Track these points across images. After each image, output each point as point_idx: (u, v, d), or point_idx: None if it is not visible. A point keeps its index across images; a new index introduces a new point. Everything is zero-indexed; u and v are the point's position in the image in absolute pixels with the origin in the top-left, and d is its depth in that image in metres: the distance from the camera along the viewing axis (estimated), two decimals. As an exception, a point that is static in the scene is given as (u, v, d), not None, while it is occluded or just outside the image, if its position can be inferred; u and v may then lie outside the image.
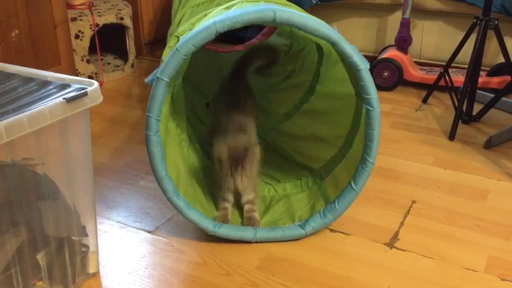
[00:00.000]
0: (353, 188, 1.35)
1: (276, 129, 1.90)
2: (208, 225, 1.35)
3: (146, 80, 1.26)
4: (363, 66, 1.26)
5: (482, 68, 2.07)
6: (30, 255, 1.11)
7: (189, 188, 1.43)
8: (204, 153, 1.65)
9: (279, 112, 1.94)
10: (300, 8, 1.49)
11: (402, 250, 1.37)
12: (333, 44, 1.25)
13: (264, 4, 1.28)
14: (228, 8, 1.32)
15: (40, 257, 1.13)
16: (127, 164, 1.81)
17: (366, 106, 1.29)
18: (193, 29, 1.27)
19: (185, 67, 1.51)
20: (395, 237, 1.42)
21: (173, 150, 1.42)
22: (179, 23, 1.70)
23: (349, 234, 1.43)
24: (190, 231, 1.43)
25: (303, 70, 1.94)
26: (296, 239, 1.39)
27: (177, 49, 1.21)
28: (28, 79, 1.16)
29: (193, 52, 1.22)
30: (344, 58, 1.28)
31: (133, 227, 1.47)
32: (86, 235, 1.24)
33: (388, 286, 1.24)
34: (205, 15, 1.40)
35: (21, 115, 0.97)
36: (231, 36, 2.99)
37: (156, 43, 2.99)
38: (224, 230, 1.36)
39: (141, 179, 1.71)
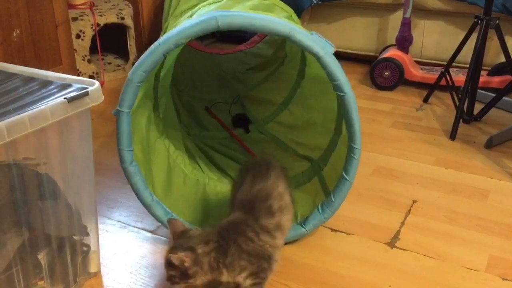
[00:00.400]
0: (345, 178, 1.31)
1: (275, 121, 1.90)
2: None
3: (113, 112, 1.26)
4: (322, 52, 1.21)
5: (483, 67, 2.07)
6: (32, 254, 1.11)
7: (186, 207, 1.43)
8: (206, 164, 1.65)
9: (276, 102, 1.93)
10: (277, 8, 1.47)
11: (403, 249, 1.37)
12: (287, 38, 1.21)
13: (209, 13, 1.24)
14: (190, 16, 1.32)
15: (42, 256, 1.13)
16: (128, 164, 1.81)
17: (338, 92, 1.25)
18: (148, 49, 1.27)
19: (168, 81, 1.52)
20: (396, 236, 1.42)
21: (162, 171, 1.43)
22: (166, 27, 1.71)
23: (350, 234, 1.43)
24: (191, 231, 1.43)
25: (293, 54, 1.93)
26: (298, 239, 1.39)
27: (128, 79, 1.22)
28: (29, 79, 1.17)
29: (145, 77, 1.22)
30: (303, 49, 1.24)
31: (134, 227, 1.48)
32: (87, 235, 1.24)
33: (389, 286, 1.24)
34: (175, 25, 1.40)
35: (22, 115, 0.98)
36: (231, 36, 3.00)
37: (157, 42, 2.99)
38: None
39: (142, 178, 1.71)
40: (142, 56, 1.22)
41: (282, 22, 1.22)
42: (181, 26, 1.21)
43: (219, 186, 1.56)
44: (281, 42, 2.12)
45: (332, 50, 1.24)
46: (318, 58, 1.22)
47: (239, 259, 1.08)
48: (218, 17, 1.18)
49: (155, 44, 1.21)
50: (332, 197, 1.34)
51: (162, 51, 1.20)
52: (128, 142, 1.26)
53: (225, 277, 1.08)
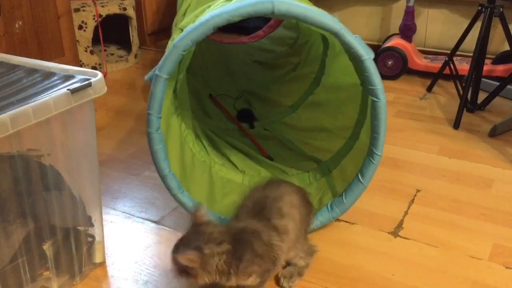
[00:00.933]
0: (360, 181, 1.33)
1: (282, 121, 1.89)
2: (214, 220, 1.35)
3: (146, 77, 1.25)
4: (367, 56, 1.24)
5: (487, 56, 2.06)
6: (37, 245, 1.12)
7: (194, 184, 1.43)
8: (211, 147, 1.65)
9: (284, 104, 1.93)
10: None
11: (407, 238, 1.37)
12: (335, 35, 1.23)
13: None
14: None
15: (47, 247, 1.13)
16: (132, 155, 1.82)
17: (372, 97, 1.27)
18: (195, 22, 1.27)
19: (188, 61, 1.51)
20: (400, 226, 1.42)
21: (176, 146, 1.42)
22: (185, 13, 1.69)
23: (353, 223, 1.44)
24: (195, 221, 1.43)
25: (308, 61, 1.93)
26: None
27: (174, 45, 1.20)
28: (32, 71, 1.17)
29: (191, 47, 1.21)
30: (347, 49, 1.26)
31: (139, 217, 1.48)
32: (92, 225, 1.25)
33: (393, 275, 1.25)
34: (209, 6, 1.39)
35: (26, 106, 0.98)
36: (234, 26, 2.99)
37: (159, 33, 2.99)
38: None
39: (146, 169, 1.71)
40: (192, 26, 1.20)
41: (334, 19, 1.24)
42: (235, 4, 1.20)
43: (223, 171, 1.56)
44: (297, 48, 2.10)
45: (373, 55, 1.26)
46: (361, 61, 1.24)
47: (252, 264, 1.07)
48: (275, 2, 1.18)
49: (207, 16, 1.19)
50: (343, 198, 1.36)
51: (214, 24, 1.18)
52: (159, 108, 1.23)
53: (232, 282, 1.06)
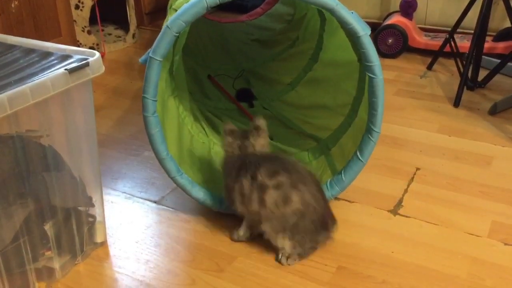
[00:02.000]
0: (359, 158, 1.33)
1: (281, 100, 1.88)
2: (214, 203, 1.36)
3: (140, 60, 1.24)
4: (363, 32, 1.22)
5: (488, 33, 2.04)
6: (38, 225, 1.12)
7: (193, 165, 1.43)
8: (210, 128, 1.64)
9: (283, 82, 1.92)
10: None
11: (406, 216, 1.38)
12: (331, 12, 1.22)
13: None
14: None
15: (48, 227, 1.14)
16: (131, 135, 1.81)
17: (368, 74, 1.26)
18: (189, 2, 1.25)
19: (183, 41, 1.50)
20: (399, 204, 1.43)
21: (173, 129, 1.41)
22: None
23: (353, 202, 1.44)
24: (194, 201, 1.44)
25: (306, 37, 1.91)
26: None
27: (167, 27, 1.18)
28: (29, 51, 1.16)
29: (184, 28, 1.20)
30: (343, 25, 1.24)
31: (139, 197, 1.49)
32: (93, 206, 1.25)
33: (392, 252, 1.25)
34: None
35: (24, 86, 0.97)
36: (232, 5, 2.96)
37: (157, 12, 2.96)
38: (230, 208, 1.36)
39: (145, 149, 1.71)
40: (185, 6, 1.19)
41: None
42: None
43: (223, 152, 1.56)
44: (295, 23, 2.08)
45: (369, 31, 1.24)
46: (357, 38, 1.23)
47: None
48: None
49: None
50: (342, 176, 1.35)
51: (206, 4, 1.17)
52: (154, 91, 1.23)
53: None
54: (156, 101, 1.24)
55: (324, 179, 1.42)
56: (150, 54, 1.20)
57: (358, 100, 1.43)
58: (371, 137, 1.31)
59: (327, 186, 1.37)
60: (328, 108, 1.62)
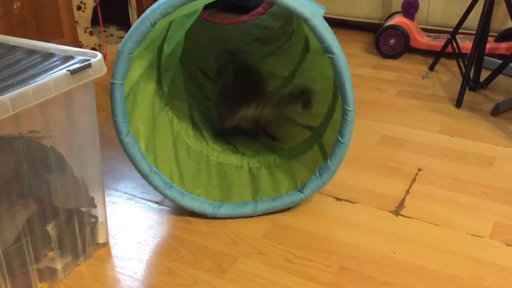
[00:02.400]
0: (340, 141, 1.30)
1: (279, 94, 1.88)
2: (207, 208, 1.36)
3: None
4: (309, 14, 1.18)
5: (490, 33, 2.04)
6: (40, 226, 1.13)
7: (189, 175, 1.43)
8: (210, 135, 1.65)
9: (281, 76, 1.92)
10: None
11: (408, 217, 1.38)
12: (276, 3, 1.18)
13: None
14: None
15: (50, 228, 1.14)
16: (133, 136, 1.82)
17: (328, 55, 1.22)
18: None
19: (177, 55, 1.51)
20: (401, 204, 1.43)
21: (166, 142, 1.43)
22: None
23: (355, 202, 1.44)
24: (197, 201, 1.44)
25: (299, 28, 1.91)
26: (297, 205, 1.40)
27: (119, 51, 1.22)
28: (32, 52, 1.16)
29: (135, 49, 1.23)
30: (291, 13, 1.21)
31: (141, 198, 1.49)
32: (95, 206, 1.25)
33: (394, 253, 1.25)
34: None
35: (26, 87, 0.97)
36: (234, 6, 2.96)
37: (159, 13, 2.96)
38: (223, 210, 1.37)
39: (147, 150, 1.71)
40: (131, 28, 1.23)
41: None
42: None
43: (222, 157, 1.56)
44: (290, 16, 2.09)
45: (322, 12, 1.21)
46: (305, 21, 1.19)
47: None
48: None
49: (143, 15, 1.22)
50: (328, 161, 1.33)
51: (151, 20, 1.20)
52: (122, 113, 1.26)
53: None
54: (126, 122, 1.27)
55: (317, 168, 1.40)
56: (111, 79, 1.24)
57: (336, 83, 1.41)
58: (347, 117, 1.27)
59: (316, 175, 1.35)
60: (318, 94, 1.61)
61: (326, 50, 1.22)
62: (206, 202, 1.37)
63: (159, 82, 1.47)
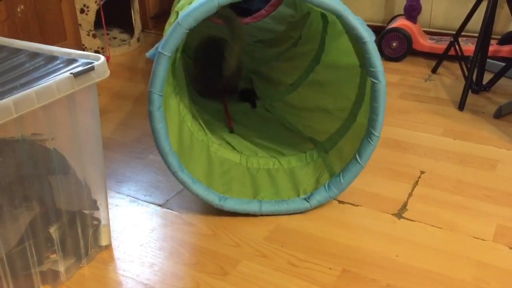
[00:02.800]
0: (358, 161, 1.35)
1: (283, 100, 1.89)
2: (214, 198, 1.36)
3: (147, 54, 1.25)
4: (369, 38, 1.24)
5: (492, 36, 2.04)
6: (43, 228, 1.13)
7: (192, 162, 1.44)
8: (208, 127, 1.65)
9: (285, 82, 1.92)
10: None
11: (411, 220, 1.38)
12: (338, 16, 1.23)
13: None
14: None
15: (53, 230, 1.14)
16: (136, 139, 1.82)
17: (372, 79, 1.27)
18: (192, 2, 1.26)
19: (184, 39, 1.50)
20: (404, 207, 1.43)
21: (174, 125, 1.42)
22: None
23: (357, 205, 1.44)
24: (199, 204, 1.44)
25: (309, 38, 1.92)
26: (302, 212, 1.40)
27: (178, 23, 1.19)
28: (35, 54, 1.16)
29: (194, 25, 1.21)
30: (349, 30, 1.26)
31: (144, 201, 1.49)
32: (97, 209, 1.26)
33: (397, 256, 1.25)
34: None
35: (29, 90, 0.98)
36: (237, 8, 2.96)
37: (161, 16, 2.97)
38: (229, 204, 1.37)
39: (150, 153, 1.72)
40: (195, 4, 1.20)
41: (337, 0, 1.24)
42: None
43: (221, 151, 1.56)
44: (297, 22, 2.09)
45: (374, 38, 1.26)
46: (362, 43, 1.24)
47: None
48: None
49: None
50: (341, 178, 1.37)
51: (218, 2, 1.18)
52: (161, 86, 1.23)
53: None
54: (161, 96, 1.25)
55: (322, 181, 1.42)
56: (160, 49, 1.21)
57: (358, 105, 1.44)
58: (370, 141, 1.32)
59: (325, 188, 1.38)
60: (328, 111, 1.63)
61: (373, 75, 1.27)
62: (212, 192, 1.37)
63: (173, 63, 1.47)
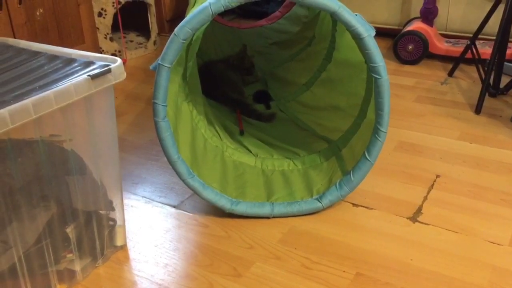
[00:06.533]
0: (367, 158, 1.33)
1: (296, 100, 1.89)
2: (226, 203, 1.37)
3: (150, 67, 1.28)
4: (366, 34, 1.22)
5: (510, 39, 2.02)
6: (60, 228, 1.14)
7: (206, 168, 1.44)
8: (224, 132, 1.66)
9: (298, 82, 1.93)
10: None
11: (426, 224, 1.37)
12: (333, 14, 1.22)
13: None
14: None
15: (70, 230, 1.16)
16: (151, 141, 1.84)
17: (373, 75, 1.26)
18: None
19: (196, 48, 1.52)
20: (419, 211, 1.42)
21: (186, 132, 1.44)
22: (195, 3, 1.70)
23: (371, 208, 1.44)
24: (213, 206, 1.45)
25: (321, 36, 1.92)
26: (314, 213, 1.40)
27: (175, 34, 1.22)
28: (53, 57, 1.18)
29: (191, 35, 1.22)
30: (347, 27, 1.24)
31: (158, 202, 1.50)
32: (113, 209, 1.27)
33: (411, 259, 1.24)
34: None
35: (48, 92, 1.00)
36: (253, 12, 2.98)
37: (177, 19, 2.98)
38: (241, 208, 1.37)
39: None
40: (191, 14, 1.22)
41: None
42: None
43: (236, 155, 1.57)
44: (310, 22, 2.10)
45: (373, 33, 1.25)
46: (360, 39, 1.23)
47: None
48: None
49: (206, 3, 1.21)
50: (351, 175, 1.36)
51: (212, 10, 1.20)
52: (164, 97, 1.26)
53: None
54: (165, 106, 1.27)
55: (334, 180, 1.42)
56: (159, 61, 1.24)
57: (367, 101, 1.43)
58: (378, 137, 1.31)
59: (336, 187, 1.37)
60: (341, 109, 1.63)
61: (374, 70, 1.26)
62: (224, 197, 1.37)
63: (184, 72, 1.49)
